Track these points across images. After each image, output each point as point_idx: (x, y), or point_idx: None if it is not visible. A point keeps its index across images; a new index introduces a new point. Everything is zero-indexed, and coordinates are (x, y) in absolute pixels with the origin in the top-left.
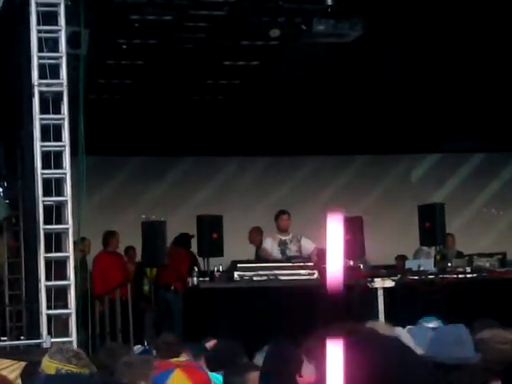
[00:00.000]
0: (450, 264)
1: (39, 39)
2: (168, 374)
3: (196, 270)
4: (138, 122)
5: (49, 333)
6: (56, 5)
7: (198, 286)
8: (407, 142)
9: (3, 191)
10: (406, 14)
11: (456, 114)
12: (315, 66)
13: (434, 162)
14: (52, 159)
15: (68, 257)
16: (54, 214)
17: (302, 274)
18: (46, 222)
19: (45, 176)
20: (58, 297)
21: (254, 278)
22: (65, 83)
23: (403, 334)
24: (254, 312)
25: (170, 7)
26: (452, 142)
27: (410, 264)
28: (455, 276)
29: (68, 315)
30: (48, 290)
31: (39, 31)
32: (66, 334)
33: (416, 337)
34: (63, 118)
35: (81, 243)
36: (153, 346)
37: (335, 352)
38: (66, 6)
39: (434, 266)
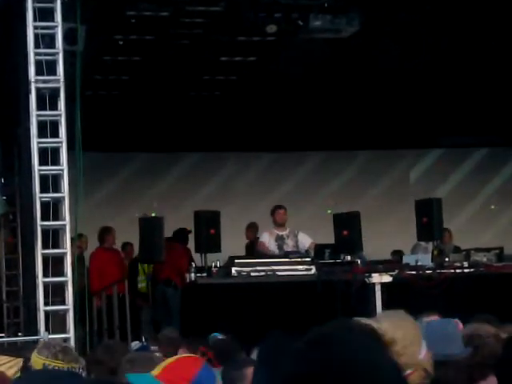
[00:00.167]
0: (447, 259)
1: (36, 35)
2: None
3: (193, 265)
4: (135, 118)
5: (46, 329)
6: (52, 1)
7: (195, 282)
8: (407, 137)
9: (0, 188)
10: (403, 9)
11: (456, 108)
12: (312, 62)
13: (434, 158)
14: (49, 156)
15: (65, 253)
16: (52, 210)
17: (300, 270)
18: (43, 219)
19: (42, 172)
20: (55, 293)
21: (252, 274)
22: (61, 79)
23: None
24: (252, 307)
25: (167, 3)
26: (453, 137)
27: (408, 259)
28: (452, 271)
29: (65, 311)
30: (45, 286)
31: (36, 27)
32: (64, 330)
33: None
34: (60, 115)
35: (78, 239)
36: (154, 341)
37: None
38: (63, 3)
39: (432, 261)
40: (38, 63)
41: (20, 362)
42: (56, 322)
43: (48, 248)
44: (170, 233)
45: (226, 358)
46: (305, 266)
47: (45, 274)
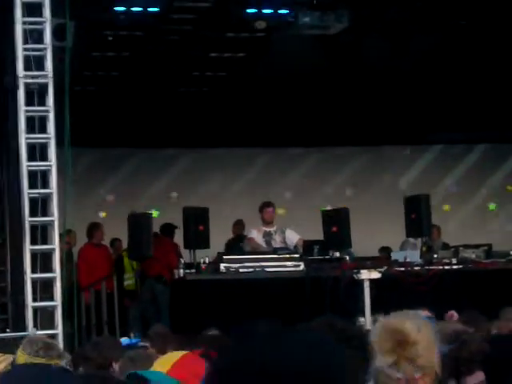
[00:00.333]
0: (435, 255)
1: (24, 31)
2: None
3: (182, 261)
4: (124, 114)
5: (34, 325)
6: None
7: (184, 278)
8: (397, 134)
9: None
10: (392, 5)
11: (446, 106)
12: (301, 58)
13: (425, 155)
14: (37, 151)
15: (54, 249)
16: (40, 206)
17: (288, 266)
18: (31, 215)
19: (30, 168)
20: (43, 289)
21: (240, 270)
22: (50, 75)
23: None
24: (240, 304)
25: None
26: (443, 135)
27: (396, 255)
28: (441, 267)
29: (54, 307)
30: (34, 282)
31: (24, 23)
32: (52, 326)
33: None
34: (48, 110)
35: (66, 235)
36: (143, 337)
37: None
38: None
39: (420, 258)
40: (27, 59)
41: (10, 358)
42: (44, 318)
43: (36, 244)
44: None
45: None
46: (293, 263)
47: (33, 270)
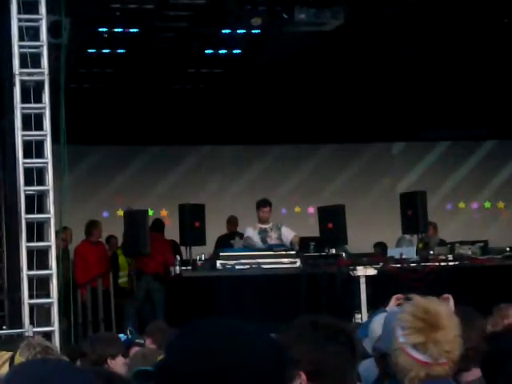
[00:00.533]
0: (432, 252)
1: (20, 28)
2: None
3: (178, 258)
4: (119, 111)
5: (31, 322)
6: None
7: (180, 275)
8: (393, 130)
9: None
10: (388, 2)
11: (440, 101)
12: (297, 55)
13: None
14: (33, 148)
15: (50, 246)
16: (36, 203)
17: (285, 263)
18: (27, 212)
19: (26, 165)
20: (40, 286)
21: (237, 267)
22: (46, 72)
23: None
24: (237, 300)
25: None
26: (438, 131)
27: (392, 252)
28: (437, 264)
29: (50, 304)
30: (30, 279)
31: (20, 20)
32: (48, 323)
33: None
34: (44, 107)
35: (62, 232)
36: (140, 334)
37: None
38: None
39: (416, 254)
40: (23, 56)
41: (7, 355)
42: (40, 315)
43: (33, 241)
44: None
45: None
46: (290, 259)
47: (29, 267)
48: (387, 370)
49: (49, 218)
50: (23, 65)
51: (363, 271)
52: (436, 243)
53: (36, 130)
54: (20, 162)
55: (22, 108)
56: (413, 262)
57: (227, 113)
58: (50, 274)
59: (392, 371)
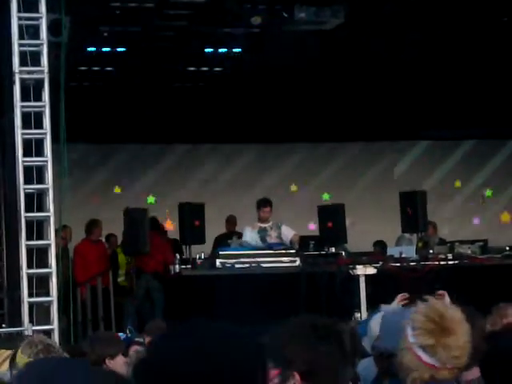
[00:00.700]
0: (431, 251)
1: (20, 26)
2: None
3: (178, 257)
4: (119, 109)
5: (30, 321)
6: None
7: (180, 274)
8: (391, 129)
9: None
10: (388, 1)
11: (441, 101)
12: (297, 54)
13: (419, 150)
14: (33, 147)
15: (50, 244)
16: (36, 201)
17: (284, 262)
18: (27, 210)
19: (26, 164)
20: (39, 284)
21: (236, 266)
22: (46, 71)
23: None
24: (236, 299)
25: None
26: (438, 130)
27: (392, 251)
28: (437, 263)
29: (50, 303)
30: (30, 277)
31: (20, 18)
32: (48, 321)
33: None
34: (44, 106)
35: (62, 231)
36: (139, 332)
37: None
38: None
39: (416, 253)
40: (23, 54)
41: (7, 353)
42: (40, 314)
43: (32, 239)
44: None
45: None
46: (289, 258)
47: (29, 266)
48: (390, 368)
49: (48, 217)
50: (23, 63)
51: (363, 270)
52: (435, 242)
53: (36, 128)
54: (20, 161)
55: (22, 106)
56: (412, 261)
57: (227, 111)
58: (50, 273)
59: (393, 370)
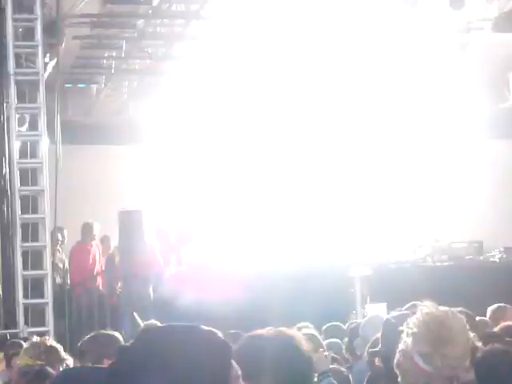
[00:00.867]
0: (427, 251)
1: (15, 28)
2: None
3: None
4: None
5: (25, 322)
6: None
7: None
8: None
9: None
10: None
11: None
12: None
13: None
14: (28, 148)
15: (45, 246)
16: (31, 203)
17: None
18: (22, 212)
19: (21, 165)
20: (34, 286)
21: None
22: (41, 72)
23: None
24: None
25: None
26: None
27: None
28: (433, 264)
29: (45, 305)
30: (25, 279)
31: (15, 20)
32: (43, 323)
33: None
34: (39, 107)
35: (57, 233)
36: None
37: None
38: None
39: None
40: (18, 56)
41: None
42: (35, 315)
43: (27, 241)
44: None
45: None
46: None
47: (24, 268)
48: (384, 372)
49: (43, 218)
50: (18, 65)
51: (358, 271)
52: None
53: (31, 130)
54: (15, 162)
55: (18, 108)
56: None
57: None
58: (45, 275)
59: (388, 374)
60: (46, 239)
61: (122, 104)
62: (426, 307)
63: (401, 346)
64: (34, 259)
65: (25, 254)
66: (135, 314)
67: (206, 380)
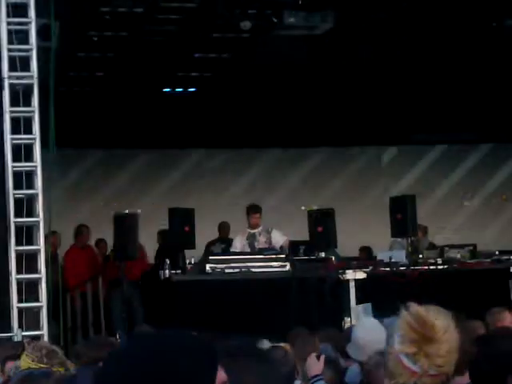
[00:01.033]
0: (421, 255)
1: (9, 31)
2: None
3: (168, 262)
4: (109, 114)
5: (20, 326)
6: None
7: (169, 279)
8: (377, 132)
9: None
10: (378, 6)
11: (427, 106)
12: (287, 59)
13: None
14: (23, 152)
15: (39, 250)
16: (25, 207)
17: (274, 267)
18: (16, 215)
19: (15, 169)
20: (29, 290)
21: (226, 271)
22: (35, 76)
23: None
24: (226, 304)
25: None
26: (422, 134)
27: (382, 256)
28: (426, 267)
29: (39, 308)
30: (19, 283)
31: (9, 23)
32: (37, 327)
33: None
34: (34, 111)
35: (51, 236)
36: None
37: None
38: None
39: (406, 258)
40: (12, 59)
41: None
42: (29, 319)
43: (21, 245)
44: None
45: None
46: (279, 263)
47: (18, 271)
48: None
49: (38, 222)
50: (12, 68)
51: (352, 275)
52: (425, 246)
53: (25, 133)
54: (9, 166)
55: (11, 111)
56: (402, 266)
57: (218, 117)
58: (39, 278)
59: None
60: (40, 243)
61: None
62: (411, 308)
63: (388, 349)
64: (28, 263)
65: (19, 258)
66: None
67: None
